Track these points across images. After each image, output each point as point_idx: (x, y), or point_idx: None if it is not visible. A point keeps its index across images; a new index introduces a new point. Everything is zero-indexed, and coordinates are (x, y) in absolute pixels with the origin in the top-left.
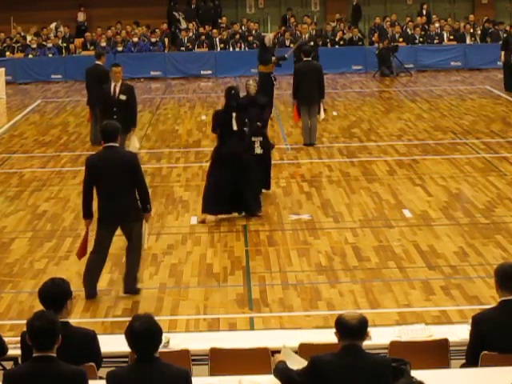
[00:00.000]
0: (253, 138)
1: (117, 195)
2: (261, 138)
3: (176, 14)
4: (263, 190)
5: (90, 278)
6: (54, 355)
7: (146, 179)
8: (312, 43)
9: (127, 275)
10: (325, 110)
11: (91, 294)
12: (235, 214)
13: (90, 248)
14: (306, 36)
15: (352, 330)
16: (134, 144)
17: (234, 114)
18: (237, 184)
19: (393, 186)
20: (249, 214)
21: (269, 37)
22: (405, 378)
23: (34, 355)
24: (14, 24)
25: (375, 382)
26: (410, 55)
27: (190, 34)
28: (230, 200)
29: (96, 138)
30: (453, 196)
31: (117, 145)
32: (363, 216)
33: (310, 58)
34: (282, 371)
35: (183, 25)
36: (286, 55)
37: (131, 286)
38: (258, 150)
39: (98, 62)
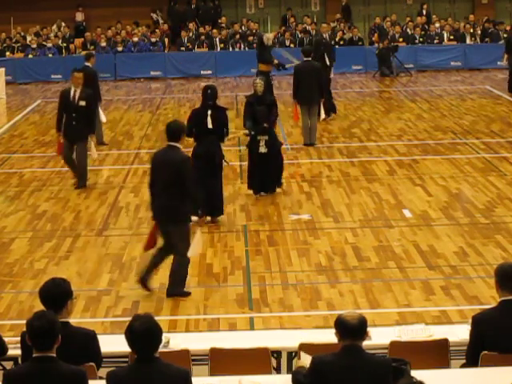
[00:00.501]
0: (258, 137)
1: (162, 194)
2: (266, 137)
3: (154, 15)
4: (277, 189)
5: (145, 266)
6: (54, 355)
7: (194, 182)
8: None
9: (169, 279)
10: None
11: (143, 280)
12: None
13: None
14: (327, 35)
15: (352, 329)
16: (93, 152)
17: (209, 112)
18: (208, 184)
19: (393, 186)
20: (212, 217)
21: (267, 36)
22: (405, 378)
23: (34, 355)
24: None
25: (375, 382)
26: (409, 55)
27: (190, 34)
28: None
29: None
30: (453, 196)
31: (177, 145)
32: (363, 216)
33: (309, 58)
34: (294, 375)
35: (162, 26)
36: (286, 66)
37: (172, 290)
38: (263, 149)
39: (86, 64)
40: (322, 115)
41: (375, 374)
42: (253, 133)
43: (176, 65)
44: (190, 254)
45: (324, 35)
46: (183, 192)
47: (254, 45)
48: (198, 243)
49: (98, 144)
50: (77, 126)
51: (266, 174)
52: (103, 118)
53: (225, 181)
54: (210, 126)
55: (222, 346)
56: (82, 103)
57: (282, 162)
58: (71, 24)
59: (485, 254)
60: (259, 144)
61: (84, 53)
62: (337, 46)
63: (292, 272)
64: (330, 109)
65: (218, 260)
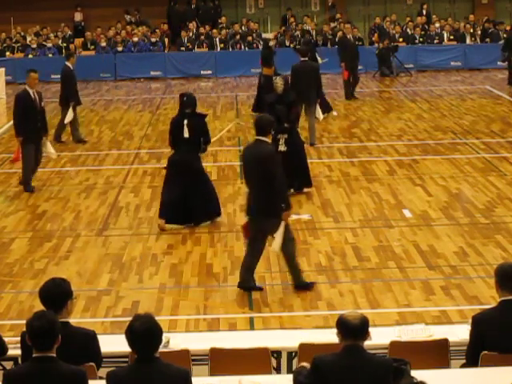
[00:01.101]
0: (278, 136)
1: (252, 190)
2: (286, 136)
3: (128, 16)
4: (305, 189)
5: (242, 267)
6: (54, 355)
7: (280, 176)
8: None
9: (290, 267)
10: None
11: (242, 283)
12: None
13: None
14: (351, 36)
15: (354, 329)
16: (49, 150)
17: (185, 122)
18: (186, 192)
19: (393, 186)
20: (195, 223)
21: (272, 40)
22: (405, 378)
23: (34, 355)
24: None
25: (376, 382)
26: (409, 55)
27: (190, 34)
28: (183, 210)
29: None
30: (453, 196)
31: (265, 139)
32: (363, 216)
33: (306, 58)
34: (295, 375)
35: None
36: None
37: (296, 279)
38: (282, 148)
39: (66, 63)
40: (321, 116)
41: (376, 374)
42: (273, 132)
43: (176, 65)
44: (273, 247)
45: (348, 36)
46: (273, 186)
47: (255, 45)
48: (279, 237)
49: (76, 142)
50: (40, 128)
51: (288, 173)
52: (68, 118)
53: (225, 181)
54: (186, 135)
55: (222, 346)
56: (42, 104)
57: (305, 160)
58: (71, 24)
59: (485, 254)
60: (279, 142)
61: (65, 52)
62: (337, 46)
63: None
64: (326, 108)
65: (218, 260)
